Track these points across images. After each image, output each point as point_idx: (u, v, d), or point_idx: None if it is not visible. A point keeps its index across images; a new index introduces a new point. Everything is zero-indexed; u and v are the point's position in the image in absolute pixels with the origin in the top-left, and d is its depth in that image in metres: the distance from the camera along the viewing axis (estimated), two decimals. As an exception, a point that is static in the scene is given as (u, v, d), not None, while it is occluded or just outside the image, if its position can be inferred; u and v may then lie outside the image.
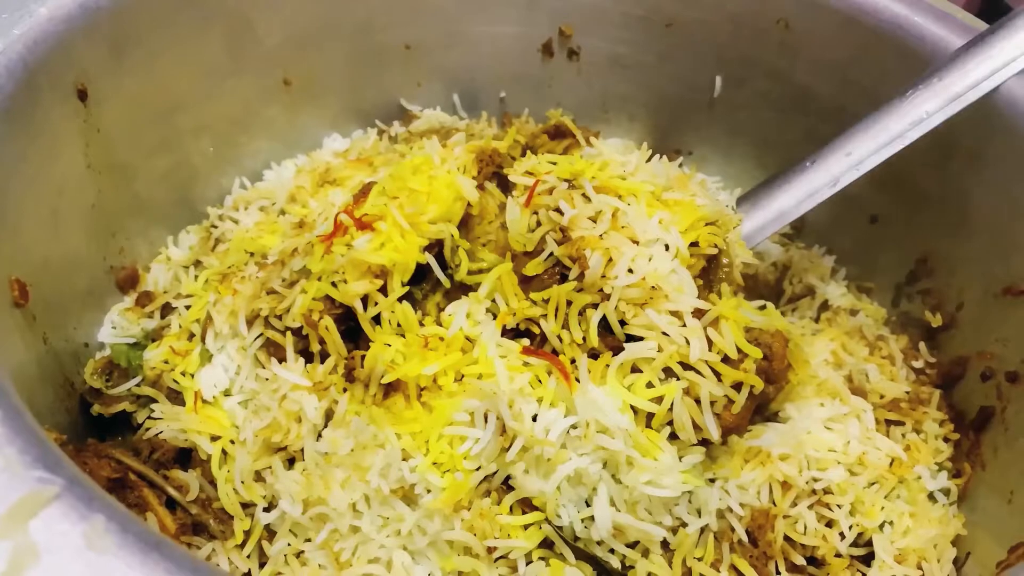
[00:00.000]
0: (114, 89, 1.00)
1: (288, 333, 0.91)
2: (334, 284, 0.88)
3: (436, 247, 0.91)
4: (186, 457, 0.91)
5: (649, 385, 0.82)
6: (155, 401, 0.95)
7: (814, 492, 0.91)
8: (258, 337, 0.93)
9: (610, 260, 0.84)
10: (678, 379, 0.82)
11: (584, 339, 0.85)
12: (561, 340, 0.86)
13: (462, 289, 0.93)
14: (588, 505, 0.82)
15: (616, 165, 0.94)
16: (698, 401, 0.82)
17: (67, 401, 0.95)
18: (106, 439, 0.97)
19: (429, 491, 0.83)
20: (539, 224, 0.89)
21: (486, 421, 0.83)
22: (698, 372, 0.82)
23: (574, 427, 0.82)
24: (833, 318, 1.12)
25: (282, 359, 0.91)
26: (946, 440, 1.01)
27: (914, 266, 1.14)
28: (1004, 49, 0.96)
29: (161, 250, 1.14)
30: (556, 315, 0.86)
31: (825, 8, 1.15)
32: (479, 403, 0.83)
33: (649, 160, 0.96)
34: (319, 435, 0.88)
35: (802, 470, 0.91)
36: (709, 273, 0.92)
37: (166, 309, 1.05)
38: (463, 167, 0.95)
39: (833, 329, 1.08)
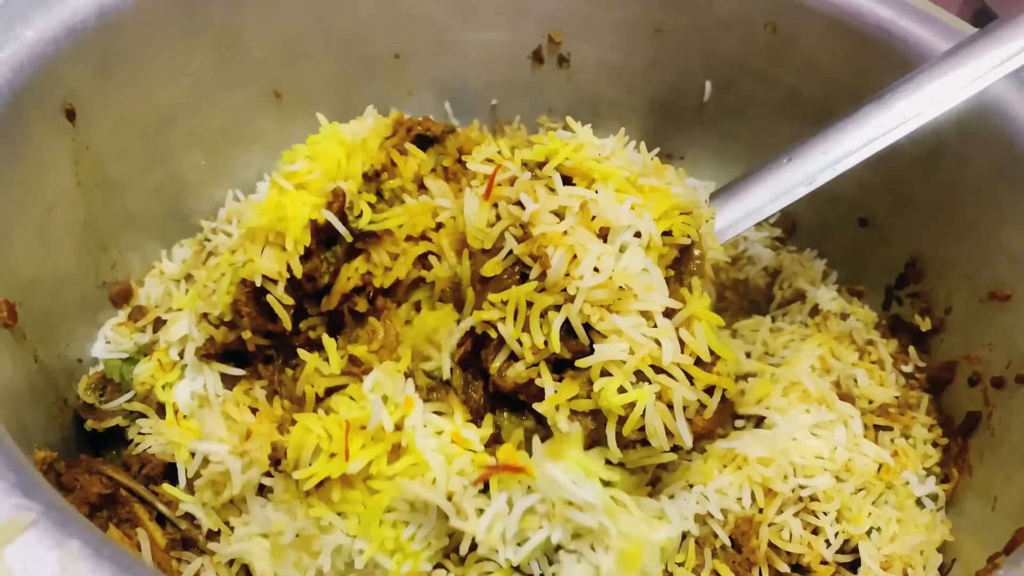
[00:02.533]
0: (103, 106, 1.01)
1: (221, 327, 0.92)
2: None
3: (338, 206, 0.89)
4: (175, 471, 0.92)
5: (621, 390, 0.78)
6: (146, 416, 0.96)
7: (800, 500, 0.91)
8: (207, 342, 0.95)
9: (574, 257, 0.80)
10: (649, 383, 0.79)
11: (546, 343, 0.80)
12: (521, 344, 0.81)
13: (365, 239, 0.90)
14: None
15: (592, 148, 0.90)
16: (670, 406, 0.80)
17: (60, 417, 0.96)
18: (101, 453, 0.99)
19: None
20: (499, 219, 0.84)
21: (427, 508, 0.79)
22: (670, 376, 0.79)
23: (541, 502, 0.79)
24: (823, 323, 1.12)
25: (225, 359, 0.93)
26: (934, 445, 1.01)
27: (904, 269, 1.14)
28: (988, 54, 0.95)
29: (155, 264, 1.15)
30: (516, 318, 0.81)
31: (812, 12, 1.15)
32: (417, 492, 0.78)
33: (626, 146, 0.93)
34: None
35: (788, 477, 0.92)
36: (680, 264, 0.88)
37: (158, 323, 1.06)
38: (376, 131, 0.95)
39: (822, 335, 1.08)
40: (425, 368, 0.87)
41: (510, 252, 0.82)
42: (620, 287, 0.80)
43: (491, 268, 0.83)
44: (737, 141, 1.30)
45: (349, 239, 0.89)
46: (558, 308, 0.80)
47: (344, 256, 0.91)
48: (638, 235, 0.84)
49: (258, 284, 0.87)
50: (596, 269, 0.80)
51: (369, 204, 0.92)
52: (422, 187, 0.98)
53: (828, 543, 0.90)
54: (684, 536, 0.88)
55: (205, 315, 0.97)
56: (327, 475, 0.78)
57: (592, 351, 0.80)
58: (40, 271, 0.93)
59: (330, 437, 0.79)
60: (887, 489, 0.95)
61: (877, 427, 1.01)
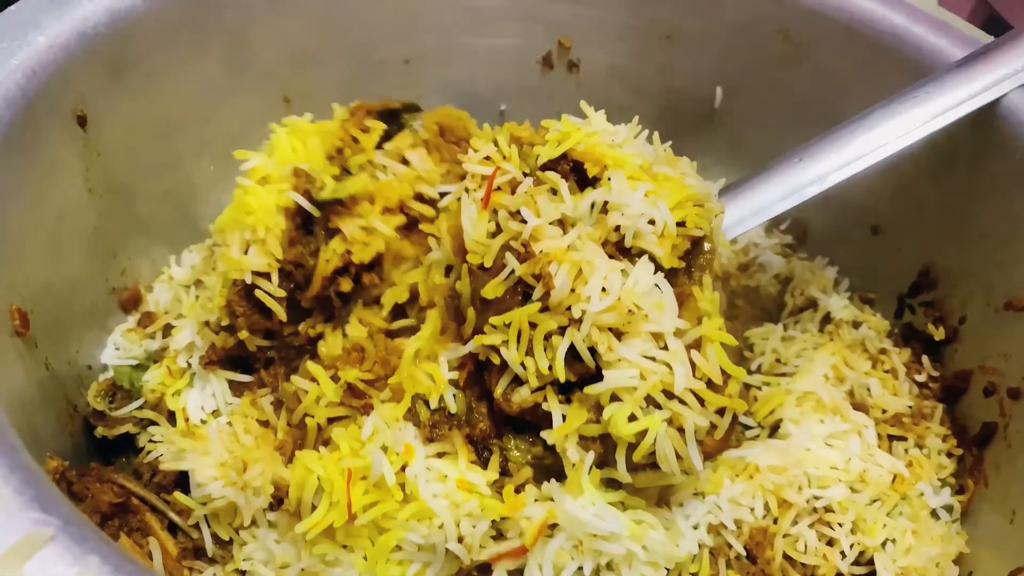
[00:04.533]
0: (113, 112, 1.00)
1: (221, 332, 0.92)
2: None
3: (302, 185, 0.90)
4: (187, 480, 0.91)
5: (631, 417, 0.76)
6: (157, 423, 0.96)
7: (815, 510, 0.91)
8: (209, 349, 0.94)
9: (580, 273, 0.77)
10: (659, 407, 0.76)
11: (550, 368, 0.77)
12: (525, 368, 0.78)
13: (337, 212, 0.89)
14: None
15: (605, 134, 0.88)
16: (681, 430, 0.77)
17: (70, 425, 0.95)
18: (111, 460, 0.98)
19: None
20: (499, 230, 0.80)
21: (435, 549, 0.78)
22: (682, 401, 0.77)
23: (568, 538, 0.78)
24: (835, 331, 1.11)
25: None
26: (949, 455, 1.01)
27: (917, 278, 1.13)
28: (1004, 64, 0.95)
29: (164, 269, 1.15)
30: (519, 340, 0.77)
31: (825, 19, 1.14)
32: (424, 535, 0.77)
33: (637, 136, 0.91)
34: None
35: (802, 488, 0.91)
36: (691, 257, 0.86)
37: (168, 329, 1.06)
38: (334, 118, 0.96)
39: (834, 343, 1.08)
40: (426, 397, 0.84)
41: (511, 272, 0.78)
42: (629, 310, 0.76)
43: (492, 290, 0.79)
44: (747, 148, 1.29)
45: (316, 214, 0.88)
46: (563, 330, 0.77)
47: (325, 239, 0.90)
48: (652, 223, 0.82)
49: (248, 281, 0.87)
50: (603, 289, 0.77)
51: (334, 178, 0.91)
52: (405, 162, 0.97)
53: (843, 554, 0.90)
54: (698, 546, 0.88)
55: (207, 323, 0.96)
56: (330, 523, 0.77)
57: (599, 373, 0.77)
58: (51, 278, 0.93)
59: (332, 482, 0.77)
60: (902, 500, 0.95)
61: (891, 437, 1.01)
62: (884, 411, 1.02)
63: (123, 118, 1.02)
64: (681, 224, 0.83)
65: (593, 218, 0.83)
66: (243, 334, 0.91)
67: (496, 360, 0.79)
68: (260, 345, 0.92)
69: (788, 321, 1.17)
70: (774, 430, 0.99)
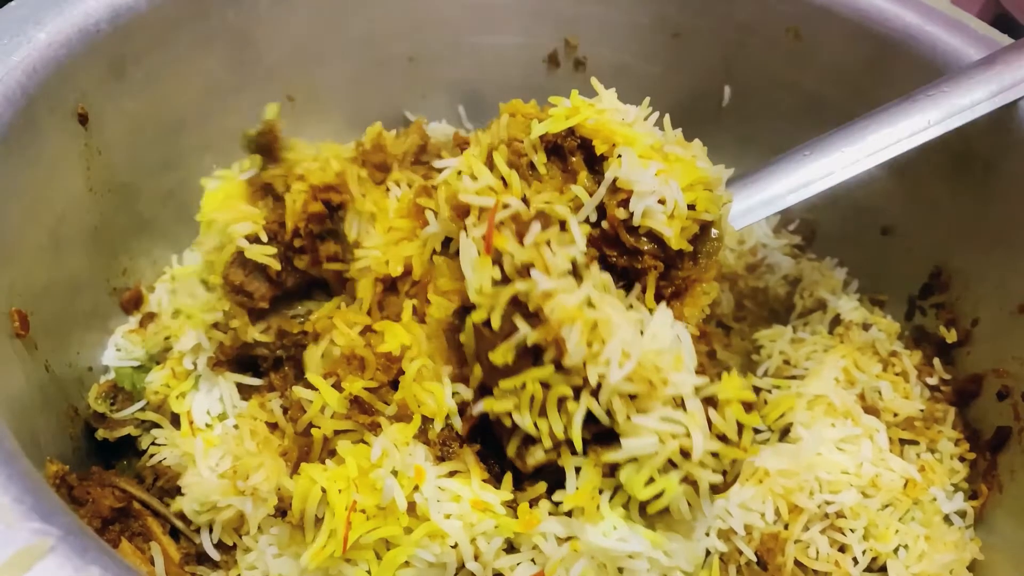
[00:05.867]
0: (115, 110, 0.99)
1: (229, 332, 0.92)
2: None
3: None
4: (190, 484, 0.90)
5: (649, 480, 0.73)
6: (159, 426, 0.95)
7: (826, 516, 0.90)
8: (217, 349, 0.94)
9: (595, 327, 0.72)
10: (675, 466, 0.74)
11: (565, 431, 0.73)
12: (538, 428, 0.74)
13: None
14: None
15: (615, 113, 0.85)
16: (695, 483, 0.75)
17: (70, 428, 0.94)
18: (111, 462, 0.97)
19: None
20: (504, 278, 0.73)
21: (446, 567, 0.75)
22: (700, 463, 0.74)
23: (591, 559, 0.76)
24: (845, 333, 1.10)
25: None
26: (962, 460, 1.00)
27: (928, 279, 1.12)
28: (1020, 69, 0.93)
29: (165, 269, 1.13)
30: (532, 405, 0.73)
31: (836, 17, 1.13)
32: (435, 553, 0.75)
33: (647, 119, 0.88)
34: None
35: (813, 493, 0.90)
36: (698, 242, 0.84)
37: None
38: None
39: (845, 345, 1.06)
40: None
41: (520, 335, 0.72)
42: (650, 381, 0.72)
43: (501, 356, 0.72)
44: (756, 147, 1.27)
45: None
46: (577, 391, 0.72)
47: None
48: (662, 202, 0.79)
49: (241, 243, 0.89)
50: (624, 352, 0.71)
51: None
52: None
53: (855, 561, 0.88)
54: (708, 552, 0.87)
55: (215, 324, 0.95)
56: (331, 552, 0.74)
57: (614, 431, 0.74)
58: (52, 279, 0.92)
59: (335, 505, 0.75)
60: (914, 505, 0.94)
61: (902, 441, 1.00)
62: (895, 414, 1.01)
63: (125, 116, 1.01)
64: (691, 207, 0.81)
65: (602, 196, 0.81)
66: (235, 322, 0.90)
67: (508, 423, 0.76)
68: (264, 341, 0.91)
69: (797, 323, 1.15)
70: (784, 434, 0.97)
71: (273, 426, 0.88)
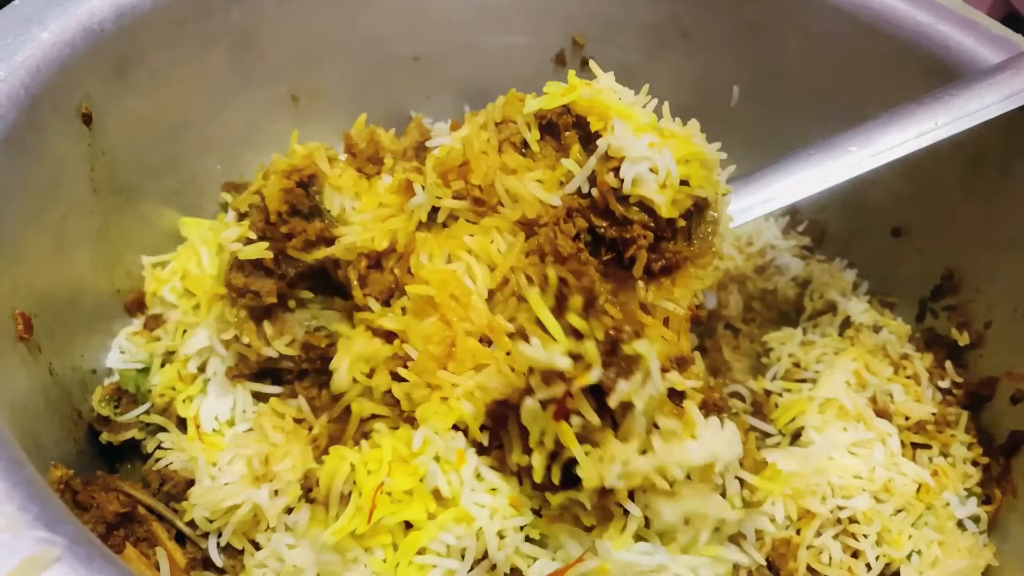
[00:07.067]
0: (119, 110, 0.98)
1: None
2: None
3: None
4: (196, 488, 0.89)
5: None
6: (164, 429, 0.94)
7: (839, 521, 0.89)
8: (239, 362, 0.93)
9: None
10: None
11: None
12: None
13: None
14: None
15: (611, 93, 0.85)
16: None
17: (74, 431, 0.93)
18: (115, 466, 0.96)
19: None
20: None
21: (463, 556, 0.75)
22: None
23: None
24: (856, 336, 1.09)
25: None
26: (975, 464, 0.99)
27: (939, 281, 1.11)
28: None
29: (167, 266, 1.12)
30: None
31: (845, 16, 1.12)
32: (458, 536, 0.75)
33: (646, 106, 0.87)
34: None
35: (826, 498, 0.89)
36: (693, 221, 0.83)
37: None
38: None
39: (856, 348, 1.05)
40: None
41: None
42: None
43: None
44: (764, 148, 1.25)
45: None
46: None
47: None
48: (654, 171, 0.78)
49: (233, 249, 0.88)
50: None
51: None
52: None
53: (868, 567, 0.88)
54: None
55: (236, 338, 0.93)
56: (352, 529, 0.74)
57: None
58: (56, 281, 0.91)
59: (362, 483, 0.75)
60: (927, 510, 0.93)
61: (914, 445, 0.99)
62: (907, 418, 1.00)
63: (128, 116, 1.00)
64: (685, 183, 0.80)
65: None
66: (246, 338, 0.89)
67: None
68: (290, 355, 0.91)
69: (807, 325, 1.14)
70: (795, 438, 0.97)
71: (300, 421, 0.87)
